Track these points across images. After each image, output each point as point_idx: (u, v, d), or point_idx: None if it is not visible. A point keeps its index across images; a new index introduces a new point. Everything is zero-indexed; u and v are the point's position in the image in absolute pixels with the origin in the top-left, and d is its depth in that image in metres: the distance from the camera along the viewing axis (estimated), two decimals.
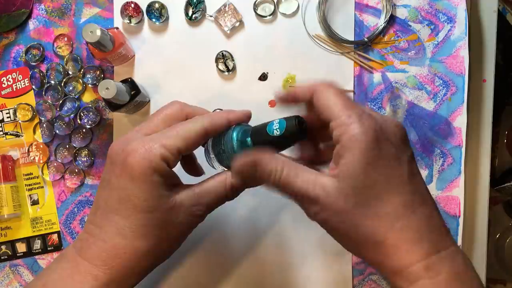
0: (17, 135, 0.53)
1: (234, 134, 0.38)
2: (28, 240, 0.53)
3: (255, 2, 0.51)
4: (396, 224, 0.31)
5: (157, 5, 0.52)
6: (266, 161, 0.34)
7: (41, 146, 0.53)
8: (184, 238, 0.38)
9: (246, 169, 0.36)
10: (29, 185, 0.53)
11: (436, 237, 0.32)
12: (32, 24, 0.53)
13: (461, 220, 0.49)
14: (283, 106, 0.38)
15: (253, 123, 0.51)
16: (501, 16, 0.72)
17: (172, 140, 0.36)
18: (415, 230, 0.31)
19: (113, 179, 0.37)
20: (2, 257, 0.53)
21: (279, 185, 0.34)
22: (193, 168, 0.45)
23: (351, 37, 0.51)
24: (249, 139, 0.37)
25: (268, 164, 0.34)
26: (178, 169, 0.39)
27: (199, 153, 0.42)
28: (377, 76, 0.51)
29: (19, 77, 0.53)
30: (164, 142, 0.36)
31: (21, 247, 0.53)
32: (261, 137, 0.37)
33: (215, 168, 0.41)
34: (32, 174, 0.53)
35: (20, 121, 0.53)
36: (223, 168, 0.40)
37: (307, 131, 0.36)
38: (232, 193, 0.39)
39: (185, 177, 0.41)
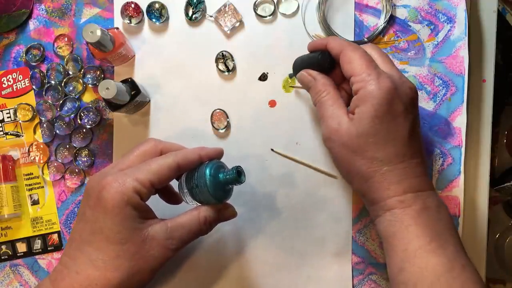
0: (17, 135, 0.53)
1: (207, 170, 0.40)
2: (28, 240, 0.53)
3: (255, 2, 0.51)
4: (383, 168, 0.38)
5: (157, 5, 0.52)
6: (320, 82, 0.42)
7: (41, 146, 0.53)
8: (157, 271, 0.39)
9: (307, 79, 0.43)
10: (30, 185, 0.53)
11: (417, 182, 0.39)
12: (32, 24, 0.54)
13: (460, 220, 0.49)
14: (312, 50, 0.44)
15: (252, 123, 0.51)
16: (501, 16, 0.72)
17: (144, 174, 0.38)
18: (398, 174, 0.38)
19: (87, 212, 0.38)
20: (2, 257, 0.53)
21: (317, 104, 0.42)
22: (171, 198, 0.47)
23: (351, 37, 0.51)
24: (221, 175, 0.40)
25: (320, 84, 0.42)
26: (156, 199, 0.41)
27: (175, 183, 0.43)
28: None
29: (19, 77, 0.53)
30: (137, 176, 0.38)
31: (22, 247, 0.53)
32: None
33: (188, 203, 0.42)
34: (32, 174, 0.53)
35: (20, 121, 0.53)
36: (196, 203, 0.42)
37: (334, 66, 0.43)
38: (206, 227, 0.41)
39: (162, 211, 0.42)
